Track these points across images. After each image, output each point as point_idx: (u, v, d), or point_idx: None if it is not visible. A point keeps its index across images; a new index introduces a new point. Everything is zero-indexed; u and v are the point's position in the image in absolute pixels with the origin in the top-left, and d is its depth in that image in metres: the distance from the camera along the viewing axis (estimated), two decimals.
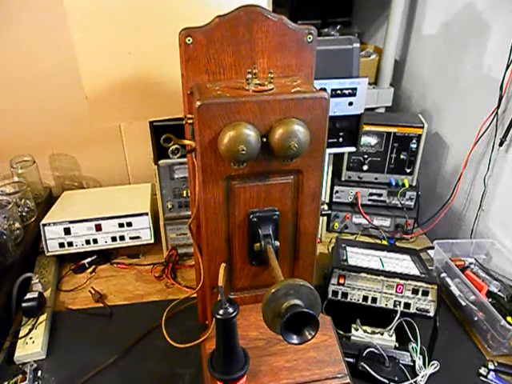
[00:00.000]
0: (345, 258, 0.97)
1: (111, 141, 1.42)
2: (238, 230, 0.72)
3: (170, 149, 0.71)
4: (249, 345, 0.72)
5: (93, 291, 1.06)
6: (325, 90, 0.65)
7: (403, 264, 0.96)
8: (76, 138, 1.38)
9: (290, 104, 0.62)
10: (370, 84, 1.50)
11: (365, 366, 0.82)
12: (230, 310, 0.60)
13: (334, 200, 1.28)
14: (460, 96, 1.28)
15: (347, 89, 1.00)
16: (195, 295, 0.91)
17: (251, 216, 0.71)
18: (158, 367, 0.87)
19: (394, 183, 1.26)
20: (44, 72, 1.27)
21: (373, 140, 1.23)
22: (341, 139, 1.05)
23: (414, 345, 0.88)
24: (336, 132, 1.04)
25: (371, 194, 1.27)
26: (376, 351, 0.85)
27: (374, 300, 0.91)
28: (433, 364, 0.86)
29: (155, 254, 1.20)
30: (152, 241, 1.17)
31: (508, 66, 1.04)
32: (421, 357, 0.86)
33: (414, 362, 0.86)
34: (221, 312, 0.60)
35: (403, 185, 1.25)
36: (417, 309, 0.89)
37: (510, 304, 0.94)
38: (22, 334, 0.92)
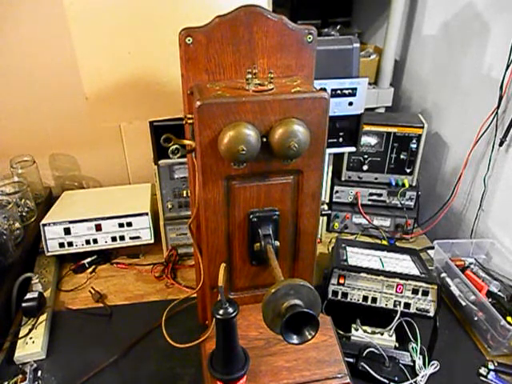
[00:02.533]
0: (345, 258, 0.97)
1: (111, 141, 1.42)
2: (238, 230, 0.72)
3: (170, 149, 0.70)
4: (249, 345, 0.72)
5: (93, 291, 1.06)
6: (325, 89, 0.65)
7: (403, 264, 0.96)
8: (76, 138, 1.38)
9: (290, 104, 0.62)
10: (370, 84, 1.50)
11: (365, 365, 0.82)
12: (230, 310, 0.60)
13: (334, 200, 1.28)
14: (460, 96, 1.28)
15: (347, 89, 1.00)
16: (195, 295, 0.91)
17: (251, 216, 0.71)
18: (158, 367, 0.87)
19: (394, 183, 1.26)
20: (44, 72, 1.27)
21: (373, 140, 1.23)
22: (341, 139, 1.05)
23: (414, 345, 0.88)
24: (336, 132, 1.04)
25: (371, 194, 1.27)
26: (376, 351, 0.85)
27: (374, 300, 0.91)
28: (433, 364, 0.86)
29: (155, 253, 1.20)
30: (152, 241, 1.17)
31: (508, 66, 1.04)
32: (421, 357, 0.86)
33: (414, 362, 0.86)
34: (221, 312, 0.60)
35: (403, 185, 1.25)
36: (417, 309, 0.89)
37: (510, 304, 0.94)
38: (21, 334, 0.92)
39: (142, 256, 1.21)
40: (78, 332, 0.96)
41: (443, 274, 1.05)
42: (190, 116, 0.67)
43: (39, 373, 0.85)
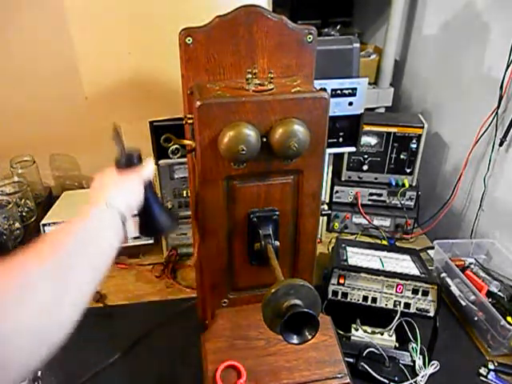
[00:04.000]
0: (345, 257, 0.97)
1: (111, 141, 1.41)
2: (238, 230, 0.72)
3: (170, 149, 0.71)
4: (249, 345, 0.72)
5: None
6: (325, 89, 0.65)
7: (403, 264, 0.96)
8: (76, 138, 1.38)
9: (290, 104, 0.62)
10: (370, 84, 1.50)
11: (365, 366, 0.82)
12: (133, 153, 0.62)
13: (334, 200, 1.28)
14: (460, 96, 1.28)
15: (347, 89, 1.00)
16: (195, 295, 0.91)
17: (251, 216, 0.71)
18: (158, 367, 0.87)
19: (394, 183, 1.26)
20: (44, 72, 1.26)
21: (373, 140, 1.23)
22: (341, 139, 1.05)
23: (414, 345, 0.88)
24: (336, 132, 1.04)
25: (371, 194, 1.27)
26: (376, 351, 0.85)
27: (374, 300, 0.90)
28: (433, 364, 0.85)
29: (155, 254, 1.20)
30: (152, 241, 1.17)
31: (508, 66, 1.04)
32: (421, 357, 0.86)
33: (414, 362, 0.86)
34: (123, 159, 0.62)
35: (403, 185, 1.25)
36: (417, 309, 0.89)
37: (510, 304, 0.94)
38: None
39: (142, 256, 1.21)
40: (77, 332, 0.95)
41: (443, 274, 1.05)
42: (190, 116, 0.67)
43: (39, 373, 0.85)
